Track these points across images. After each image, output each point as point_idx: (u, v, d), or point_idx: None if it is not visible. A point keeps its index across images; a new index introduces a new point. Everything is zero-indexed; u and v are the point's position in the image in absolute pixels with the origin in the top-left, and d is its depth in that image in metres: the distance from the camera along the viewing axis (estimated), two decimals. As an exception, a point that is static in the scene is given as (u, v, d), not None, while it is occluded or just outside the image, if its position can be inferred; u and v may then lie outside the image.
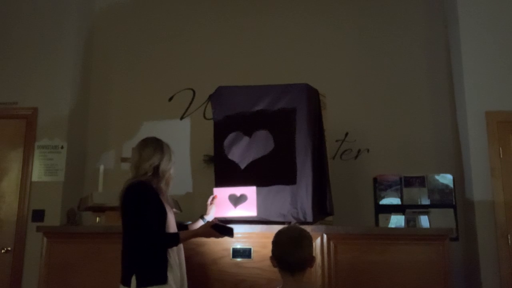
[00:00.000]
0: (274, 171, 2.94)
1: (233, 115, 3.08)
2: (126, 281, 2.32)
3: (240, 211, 2.78)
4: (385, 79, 4.42)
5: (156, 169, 2.48)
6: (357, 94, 4.38)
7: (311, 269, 2.03)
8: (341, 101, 4.10)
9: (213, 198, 2.83)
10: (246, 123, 3.05)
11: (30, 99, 4.27)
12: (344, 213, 3.72)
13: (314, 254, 2.06)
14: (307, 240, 2.03)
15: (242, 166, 2.99)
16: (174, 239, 2.43)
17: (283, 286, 1.98)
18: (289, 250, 1.97)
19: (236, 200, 2.79)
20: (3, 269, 3.99)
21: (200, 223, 2.73)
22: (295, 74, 3.75)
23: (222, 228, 2.51)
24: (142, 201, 2.39)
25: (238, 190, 2.81)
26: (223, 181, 2.99)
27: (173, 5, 4.75)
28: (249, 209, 2.77)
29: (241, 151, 3.02)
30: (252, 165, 2.98)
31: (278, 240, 2.04)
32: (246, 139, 3.03)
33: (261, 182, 2.90)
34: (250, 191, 2.79)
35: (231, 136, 3.05)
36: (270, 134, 2.99)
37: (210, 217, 2.78)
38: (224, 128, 3.08)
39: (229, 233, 2.52)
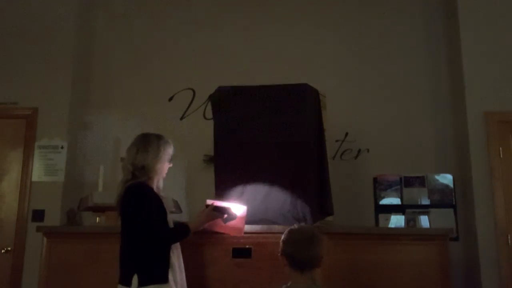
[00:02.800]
0: (279, 178, 2.92)
1: (233, 115, 3.07)
2: (126, 281, 2.32)
3: (227, 228, 2.70)
4: (385, 79, 4.42)
5: (145, 168, 2.45)
6: (357, 94, 4.38)
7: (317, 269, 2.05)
8: (341, 101, 4.09)
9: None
10: (247, 124, 3.04)
11: (30, 99, 4.27)
12: (344, 213, 3.71)
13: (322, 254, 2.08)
14: (318, 239, 2.05)
15: (242, 166, 2.99)
16: (184, 231, 2.45)
17: (291, 284, 1.99)
18: (302, 248, 2.00)
19: (226, 217, 2.73)
20: (3, 269, 3.99)
21: None
22: (295, 74, 3.74)
23: (222, 209, 2.56)
24: (144, 201, 2.39)
25: (230, 207, 2.71)
26: (223, 182, 2.99)
27: (174, 5, 4.75)
28: (236, 229, 2.68)
29: (241, 151, 3.02)
30: (254, 168, 2.98)
31: (290, 239, 2.06)
32: (246, 139, 3.03)
33: (264, 187, 2.90)
34: (241, 211, 2.69)
35: (231, 136, 3.05)
36: (274, 140, 2.99)
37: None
38: (224, 128, 3.08)
39: (229, 213, 2.58)
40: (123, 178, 2.48)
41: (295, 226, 2.16)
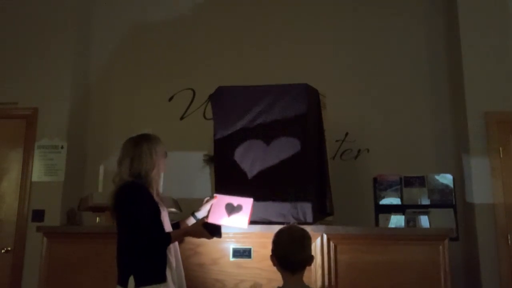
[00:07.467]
0: (280, 180, 2.92)
1: (233, 115, 3.07)
2: (123, 282, 2.31)
3: (232, 220, 2.68)
4: (385, 79, 4.42)
5: (135, 170, 2.45)
6: (357, 94, 4.38)
7: (310, 269, 2.06)
8: (341, 101, 4.08)
9: (211, 198, 2.78)
10: (247, 124, 3.04)
11: (30, 99, 4.27)
12: (344, 213, 3.71)
13: (313, 254, 2.09)
14: (308, 239, 2.06)
15: (243, 167, 2.99)
16: (166, 240, 2.39)
17: (283, 285, 1.99)
18: (292, 250, 2.00)
19: (232, 210, 2.70)
20: (3, 269, 4.00)
21: (192, 220, 2.70)
22: (295, 74, 3.74)
23: (212, 227, 2.51)
24: (134, 202, 2.38)
25: (236, 200, 2.71)
26: (223, 182, 2.99)
27: (174, 4, 4.75)
28: (241, 221, 2.66)
29: (241, 151, 3.02)
30: (254, 168, 2.98)
31: (280, 240, 2.05)
32: (246, 139, 3.03)
33: (265, 188, 2.90)
34: (246, 203, 2.68)
35: (231, 136, 3.05)
36: (273, 137, 2.99)
37: (201, 213, 2.74)
38: (224, 128, 3.08)
39: (218, 232, 2.51)
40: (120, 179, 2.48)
41: (285, 226, 2.16)
